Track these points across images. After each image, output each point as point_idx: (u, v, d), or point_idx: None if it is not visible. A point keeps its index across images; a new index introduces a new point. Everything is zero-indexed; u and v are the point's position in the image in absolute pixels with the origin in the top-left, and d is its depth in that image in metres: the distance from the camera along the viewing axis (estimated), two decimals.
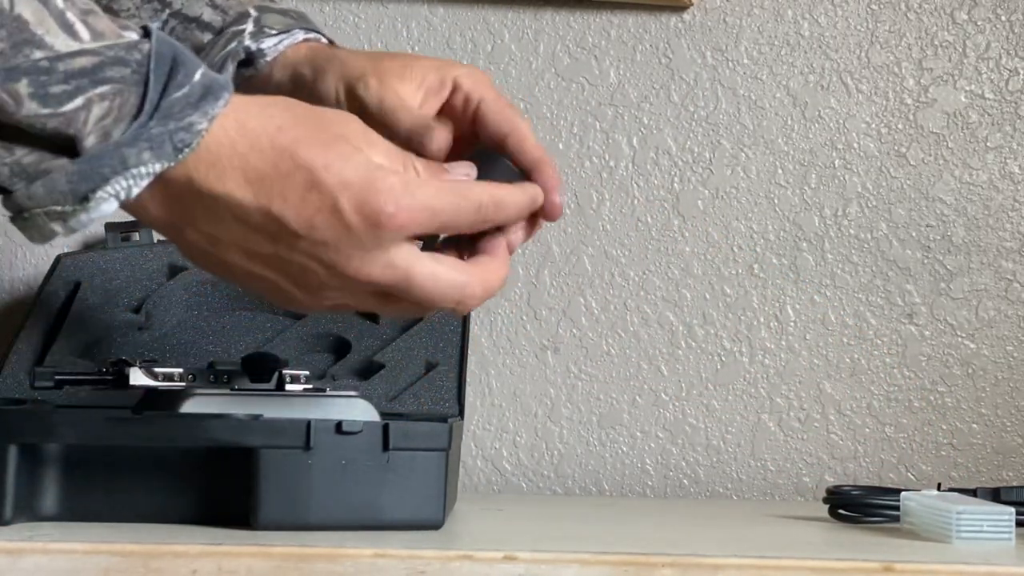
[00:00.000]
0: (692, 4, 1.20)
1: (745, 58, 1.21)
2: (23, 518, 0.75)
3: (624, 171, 1.21)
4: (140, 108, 0.63)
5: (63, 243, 1.17)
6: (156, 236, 1.13)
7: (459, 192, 0.69)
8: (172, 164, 0.64)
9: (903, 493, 0.87)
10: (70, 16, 0.62)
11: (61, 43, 0.61)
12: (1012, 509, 0.78)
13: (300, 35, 0.83)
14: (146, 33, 0.64)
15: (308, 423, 0.73)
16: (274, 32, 0.82)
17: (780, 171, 1.20)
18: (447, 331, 1.05)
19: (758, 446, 1.19)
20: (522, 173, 0.75)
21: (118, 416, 0.77)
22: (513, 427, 1.19)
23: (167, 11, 0.84)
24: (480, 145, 0.78)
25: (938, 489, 0.92)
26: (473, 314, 1.19)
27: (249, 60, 0.81)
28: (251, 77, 0.82)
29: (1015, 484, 0.75)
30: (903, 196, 1.20)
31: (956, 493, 0.90)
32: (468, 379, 1.16)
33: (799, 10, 1.21)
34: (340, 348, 1.04)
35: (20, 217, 0.64)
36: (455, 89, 0.80)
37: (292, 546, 0.66)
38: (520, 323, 1.20)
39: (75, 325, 0.99)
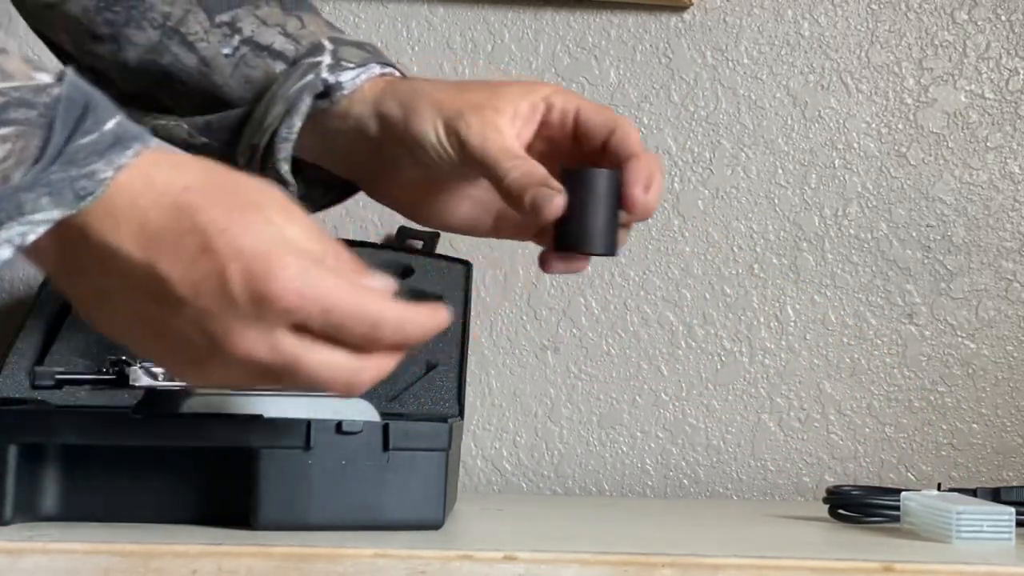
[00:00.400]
0: (692, 4, 1.20)
1: (745, 58, 1.21)
2: (23, 518, 0.75)
3: None
4: (43, 152, 0.59)
5: None
6: None
7: (361, 300, 0.63)
8: (72, 212, 0.61)
9: (903, 493, 0.87)
10: None
11: None
12: (1012, 509, 0.78)
13: (376, 69, 0.82)
14: (60, 77, 0.61)
15: (308, 423, 0.73)
16: (351, 65, 0.81)
17: (780, 171, 1.20)
18: (447, 331, 1.05)
19: (758, 446, 1.19)
20: (616, 173, 0.75)
21: (118, 416, 0.77)
22: (513, 427, 1.19)
23: (237, 37, 0.83)
24: (564, 164, 0.77)
25: (938, 489, 0.92)
26: (473, 314, 1.19)
27: (325, 93, 0.80)
28: (326, 110, 0.81)
29: (1015, 484, 0.75)
30: (903, 196, 1.20)
31: (956, 493, 0.90)
32: (468, 379, 1.16)
33: (799, 10, 1.21)
34: None
35: None
36: (548, 109, 0.78)
37: (292, 546, 0.66)
38: (520, 323, 1.20)
39: (75, 325, 0.99)
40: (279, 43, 0.82)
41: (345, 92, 0.80)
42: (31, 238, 0.61)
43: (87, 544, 0.65)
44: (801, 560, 0.67)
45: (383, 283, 0.65)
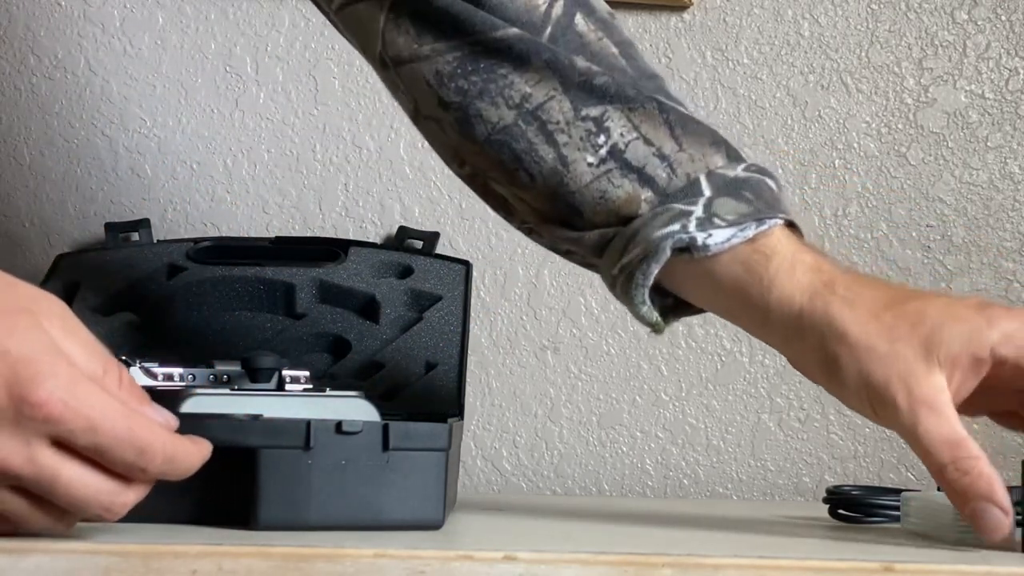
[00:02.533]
0: (692, 4, 1.20)
1: (745, 58, 1.21)
2: None
3: None
4: None
5: (63, 244, 1.17)
6: (156, 236, 1.14)
7: (131, 424, 0.60)
8: None
9: (903, 493, 0.87)
10: None
11: None
12: (1012, 509, 0.78)
13: (751, 230, 0.75)
14: None
15: (308, 423, 0.73)
16: (723, 224, 0.74)
17: (780, 171, 1.20)
18: (447, 331, 1.05)
19: (758, 446, 1.19)
20: None
21: None
22: (513, 427, 1.19)
23: (606, 145, 0.76)
24: None
25: (938, 489, 0.92)
26: (473, 314, 1.19)
27: (687, 248, 0.75)
28: (687, 261, 0.75)
29: (1016, 484, 0.74)
30: (903, 196, 1.20)
31: None
32: (468, 379, 1.16)
33: (799, 10, 1.21)
34: (340, 348, 1.04)
35: None
36: (998, 363, 0.70)
37: (292, 546, 0.66)
38: (520, 323, 1.20)
39: None
40: (651, 167, 0.75)
41: (709, 255, 0.74)
42: None
43: (87, 544, 0.65)
44: (801, 560, 0.67)
45: (164, 417, 0.63)
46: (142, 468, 0.62)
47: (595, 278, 1.21)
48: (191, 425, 0.74)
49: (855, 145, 1.20)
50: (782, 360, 1.21)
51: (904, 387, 0.69)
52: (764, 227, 0.75)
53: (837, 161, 1.20)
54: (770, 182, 0.78)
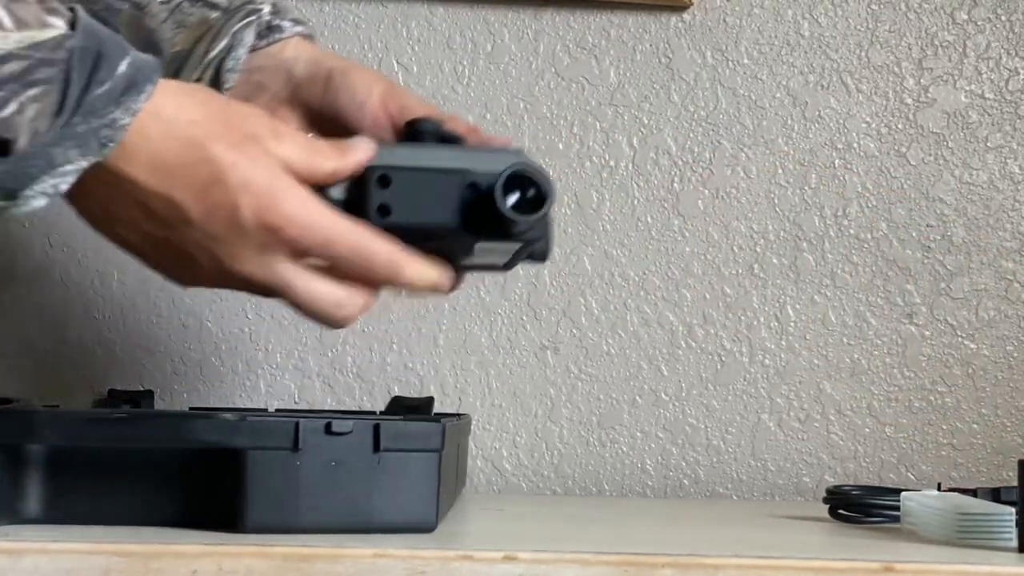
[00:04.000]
0: (692, 4, 1.20)
1: (745, 58, 1.21)
2: (5, 520, 0.73)
3: (624, 171, 1.20)
4: (62, 105, 0.63)
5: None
6: None
7: (359, 237, 0.70)
8: (98, 159, 0.66)
9: (903, 493, 0.87)
10: None
11: None
12: (1012, 509, 0.78)
13: (304, 30, 0.88)
14: (72, 23, 0.64)
15: (296, 423, 0.72)
16: (289, 18, 0.88)
17: (780, 171, 1.20)
18: None
19: (758, 446, 1.19)
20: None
21: (102, 417, 0.76)
22: (513, 427, 1.19)
23: None
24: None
25: (938, 489, 0.92)
26: (473, 314, 1.19)
27: (262, 35, 0.87)
28: (259, 50, 0.86)
29: (1015, 484, 0.74)
30: (903, 196, 1.20)
31: (956, 493, 0.90)
32: (468, 379, 1.16)
33: (799, 10, 1.21)
34: None
35: None
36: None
37: (292, 546, 0.66)
38: (520, 323, 1.20)
39: None
40: None
41: (283, 36, 0.87)
42: (63, 187, 0.66)
43: (87, 544, 0.65)
44: (801, 560, 0.67)
45: (366, 147, 0.73)
46: (369, 273, 0.71)
47: (595, 278, 1.21)
48: (176, 426, 0.73)
49: (855, 145, 1.20)
50: (782, 360, 1.21)
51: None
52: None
53: (837, 161, 1.20)
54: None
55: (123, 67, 0.65)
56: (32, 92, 0.63)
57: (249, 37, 0.86)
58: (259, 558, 0.65)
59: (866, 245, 1.20)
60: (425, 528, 0.74)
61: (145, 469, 0.75)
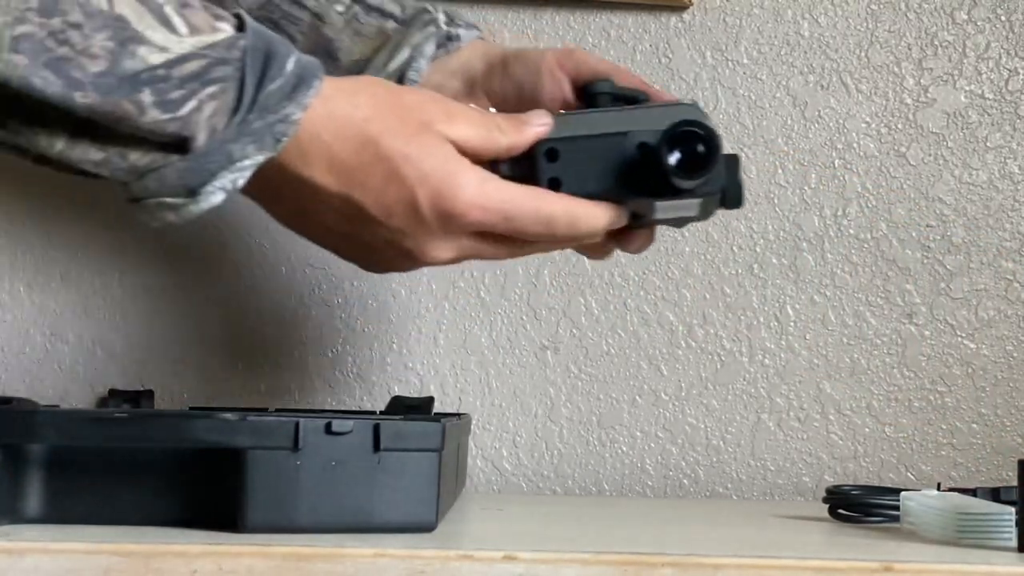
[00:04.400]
0: (692, 4, 1.20)
1: (745, 58, 1.21)
2: (5, 520, 0.73)
3: None
4: (239, 102, 0.66)
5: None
6: None
7: (536, 204, 0.72)
8: (273, 154, 0.68)
9: (903, 493, 0.87)
10: (168, 10, 0.65)
11: (161, 38, 0.64)
12: (1012, 509, 0.78)
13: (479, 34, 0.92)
14: (240, 25, 0.67)
15: (296, 423, 0.72)
16: (463, 24, 0.91)
17: (780, 171, 1.20)
18: None
19: (758, 446, 1.19)
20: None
21: (102, 416, 0.76)
22: (513, 427, 1.19)
23: None
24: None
25: (938, 489, 0.92)
26: (473, 314, 1.19)
27: (442, 44, 0.90)
28: (440, 58, 0.89)
29: (1015, 484, 0.74)
30: (903, 196, 1.20)
31: (956, 493, 0.90)
32: (468, 379, 1.16)
33: (799, 10, 1.21)
34: None
35: (134, 202, 0.68)
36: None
37: (293, 546, 0.66)
38: (520, 323, 1.20)
39: None
40: (388, 5, 0.90)
41: (462, 44, 0.90)
42: (241, 183, 0.68)
43: (87, 544, 0.65)
44: (801, 560, 0.67)
45: (543, 120, 0.74)
46: (552, 236, 0.74)
47: (595, 278, 1.21)
48: (176, 425, 0.73)
49: (855, 145, 1.20)
50: (782, 360, 1.21)
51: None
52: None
53: (837, 161, 1.20)
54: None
55: (291, 65, 0.68)
56: (210, 90, 0.65)
57: (430, 48, 0.89)
58: (259, 558, 0.65)
59: (866, 245, 1.20)
60: (425, 528, 0.74)
61: (145, 469, 0.75)
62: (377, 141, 0.69)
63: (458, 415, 1.00)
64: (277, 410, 1.14)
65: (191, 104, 0.65)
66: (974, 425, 1.18)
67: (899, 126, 1.20)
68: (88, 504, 0.74)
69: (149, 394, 1.11)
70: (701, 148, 0.73)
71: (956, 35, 1.20)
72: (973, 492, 0.90)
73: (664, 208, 0.76)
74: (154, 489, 0.70)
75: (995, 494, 0.89)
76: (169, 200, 0.67)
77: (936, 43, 1.21)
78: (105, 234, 1.18)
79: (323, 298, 1.20)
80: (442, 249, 0.73)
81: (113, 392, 1.10)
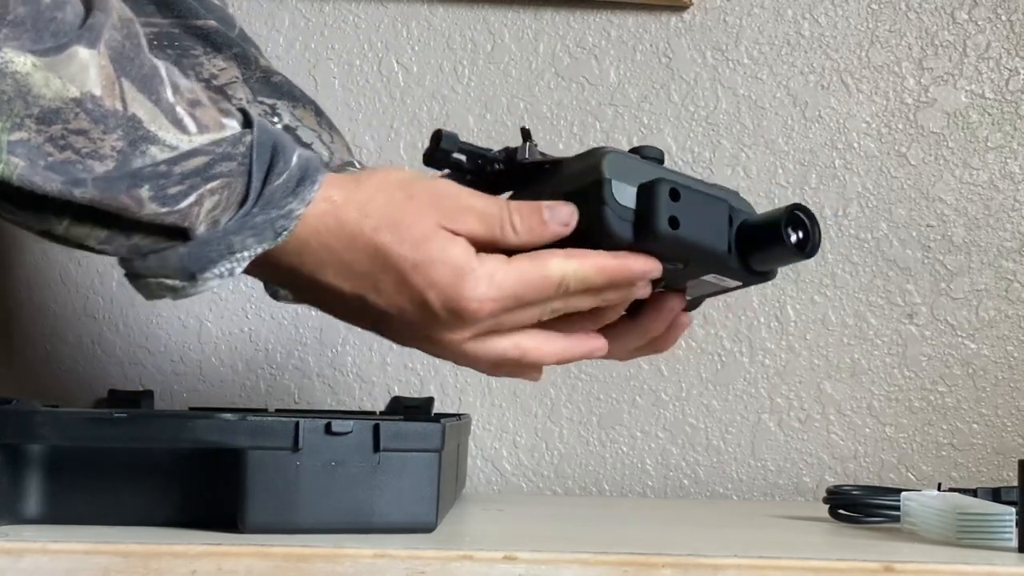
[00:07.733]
0: (692, 4, 1.20)
1: (745, 58, 1.21)
2: (5, 521, 0.73)
3: None
4: (245, 196, 0.68)
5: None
6: None
7: (540, 271, 0.73)
8: (271, 246, 0.70)
9: (903, 493, 0.87)
10: (179, 111, 0.67)
11: (172, 137, 0.66)
12: (1012, 509, 0.78)
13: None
14: (246, 120, 0.69)
15: (296, 423, 0.72)
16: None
17: (780, 171, 1.20)
18: None
19: (758, 446, 1.19)
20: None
21: (102, 417, 0.76)
22: (513, 427, 1.19)
23: (278, 122, 0.89)
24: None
25: (938, 489, 0.92)
26: None
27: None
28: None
29: (1015, 484, 0.74)
30: (903, 196, 1.20)
31: (956, 493, 0.90)
32: (468, 379, 1.16)
33: (799, 10, 1.21)
34: None
35: (133, 278, 0.70)
36: None
37: (292, 546, 0.66)
38: None
39: None
40: (317, 147, 0.89)
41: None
42: (238, 271, 0.70)
43: (87, 544, 0.65)
44: (801, 560, 0.67)
45: (567, 212, 0.74)
46: (568, 293, 0.75)
47: None
48: (176, 425, 0.73)
49: (855, 145, 1.20)
50: (782, 360, 1.21)
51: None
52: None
53: (837, 161, 1.20)
54: None
55: (295, 160, 0.70)
56: (212, 184, 0.67)
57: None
58: (259, 558, 0.65)
59: (866, 245, 1.20)
60: (425, 528, 0.74)
61: (145, 469, 0.75)
62: (386, 252, 0.71)
63: (458, 415, 1.00)
64: (277, 410, 1.14)
65: (190, 199, 0.66)
66: (975, 425, 1.18)
67: (899, 126, 1.20)
68: (87, 504, 0.74)
69: (149, 394, 1.11)
70: (801, 233, 0.76)
71: (956, 35, 1.20)
72: (974, 492, 0.90)
73: (716, 278, 0.79)
74: (154, 489, 0.70)
75: (995, 494, 0.89)
76: (168, 281, 0.70)
77: (937, 43, 1.21)
78: None
79: None
80: (459, 334, 0.74)
81: (113, 392, 1.10)
